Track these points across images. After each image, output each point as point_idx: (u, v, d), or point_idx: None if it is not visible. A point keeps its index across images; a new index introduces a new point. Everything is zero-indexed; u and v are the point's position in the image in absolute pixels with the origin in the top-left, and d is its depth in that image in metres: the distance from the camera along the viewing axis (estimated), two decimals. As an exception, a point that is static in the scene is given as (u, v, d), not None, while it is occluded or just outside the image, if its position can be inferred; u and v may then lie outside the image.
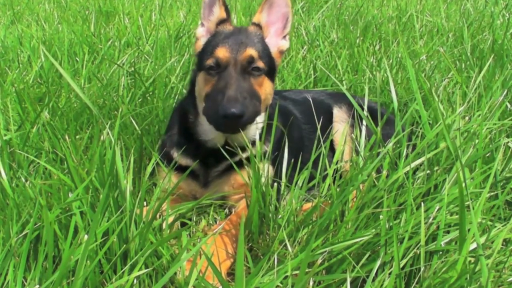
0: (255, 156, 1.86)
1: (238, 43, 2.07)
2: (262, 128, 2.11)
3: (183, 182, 2.06)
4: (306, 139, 2.44)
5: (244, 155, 2.06)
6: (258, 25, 2.21)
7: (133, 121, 2.55)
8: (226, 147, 2.08)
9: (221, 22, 2.19)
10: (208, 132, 2.14)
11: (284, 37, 2.25)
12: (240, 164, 2.03)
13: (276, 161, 2.11)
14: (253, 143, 2.12)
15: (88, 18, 5.22)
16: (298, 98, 2.64)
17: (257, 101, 2.03)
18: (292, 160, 2.01)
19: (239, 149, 2.06)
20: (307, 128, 2.47)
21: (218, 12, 2.20)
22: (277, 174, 2.08)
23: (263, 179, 1.85)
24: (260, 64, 2.07)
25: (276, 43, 2.22)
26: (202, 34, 2.24)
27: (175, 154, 2.17)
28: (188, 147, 2.15)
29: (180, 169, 2.10)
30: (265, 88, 2.10)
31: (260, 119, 2.12)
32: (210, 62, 2.05)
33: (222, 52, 2.05)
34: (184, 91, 2.71)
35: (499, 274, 1.62)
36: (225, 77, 2.00)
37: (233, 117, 1.88)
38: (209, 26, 2.22)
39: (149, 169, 1.95)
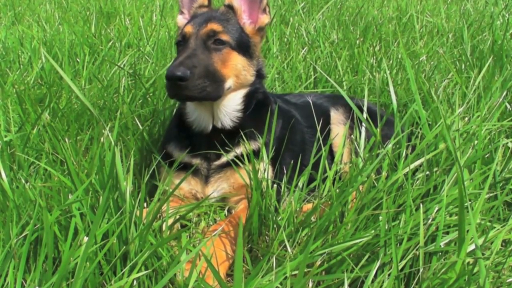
0: (255, 155, 1.87)
1: (203, 19, 2.17)
2: (244, 109, 2.17)
3: (183, 182, 2.06)
4: (309, 142, 2.44)
5: (238, 151, 2.11)
6: (229, 6, 2.26)
7: (135, 121, 2.55)
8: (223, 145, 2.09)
9: (202, 8, 2.31)
10: (191, 112, 2.19)
11: (264, 10, 2.27)
12: (240, 162, 2.05)
13: (276, 162, 2.11)
14: (243, 130, 2.15)
15: (89, 19, 5.22)
16: (299, 102, 2.66)
17: (217, 73, 2.04)
18: (292, 162, 2.00)
19: (232, 145, 2.12)
20: (309, 132, 2.48)
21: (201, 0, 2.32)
22: (277, 176, 2.08)
23: (263, 181, 1.85)
24: (224, 37, 2.10)
25: (256, 19, 2.27)
26: (182, 22, 2.33)
27: (172, 149, 2.20)
28: (184, 139, 2.19)
29: (181, 167, 2.11)
30: (234, 63, 2.12)
31: (238, 97, 2.17)
32: (178, 38, 2.18)
33: (187, 28, 2.15)
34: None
35: (498, 275, 1.63)
36: (184, 48, 2.08)
37: (174, 79, 1.92)
38: (190, 12, 2.33)
39: (152, 166, 1.97)
